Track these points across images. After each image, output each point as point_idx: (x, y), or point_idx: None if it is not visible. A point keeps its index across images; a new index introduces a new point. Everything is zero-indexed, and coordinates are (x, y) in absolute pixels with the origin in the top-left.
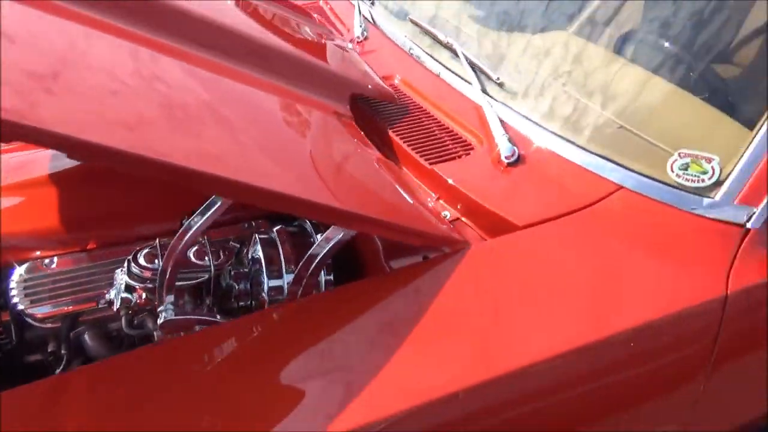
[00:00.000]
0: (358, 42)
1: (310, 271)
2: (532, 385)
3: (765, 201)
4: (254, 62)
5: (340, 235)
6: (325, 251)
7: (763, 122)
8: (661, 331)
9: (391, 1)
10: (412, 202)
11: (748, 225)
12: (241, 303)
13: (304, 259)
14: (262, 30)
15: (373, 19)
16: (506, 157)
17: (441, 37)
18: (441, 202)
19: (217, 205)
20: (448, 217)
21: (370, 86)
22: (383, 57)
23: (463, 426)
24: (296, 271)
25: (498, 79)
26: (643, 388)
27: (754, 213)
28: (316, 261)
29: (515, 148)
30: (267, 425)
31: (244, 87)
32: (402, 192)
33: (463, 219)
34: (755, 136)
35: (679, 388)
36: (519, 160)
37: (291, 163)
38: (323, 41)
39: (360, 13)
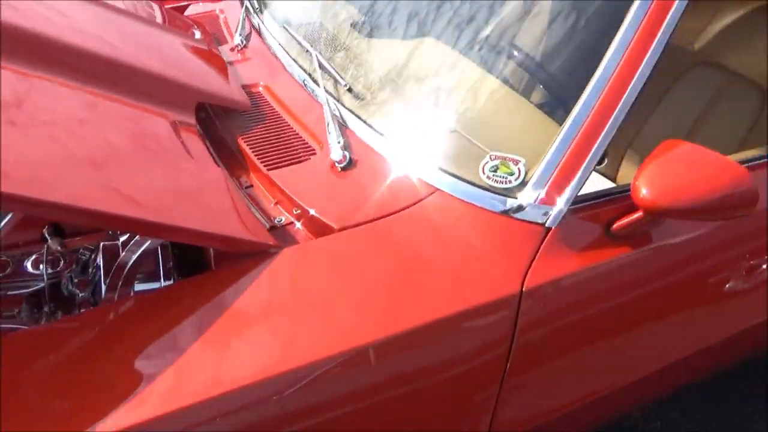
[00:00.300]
0: (239, 50)
1: (122, 280)
2: (319, 384)
3: (562, 201)
4: (89, 75)
5: (147, 244)
6: (132, 260)
7: (564, 126)
8: (456, 328)
9: (278, 9)
10: (232, 208)
11: (548, 224)
12: (84, 310)
13: (113, 269)
14: (110, 44)
15: (259, 26)
16: (338, 162)
17: (304, 43)
18: (278, 207)
19: (6, 219)
20: (282, 222)
21: (223, 94)
22: (256, 64)
23: (266, 416)
24: (108, 280)
25: (346, 84)
26: (440, 390)
27: (552, 212)
28: (126, 269)
29: (346, 152)
30: (96, 414)
31: (71, 94)
32: (225, 199)
33: (296, 223)
34: (556, 139)
35: (480, 382)
36: (351, 165)
37: (98, 173)
38: (185, 52)
39: (243, 21)
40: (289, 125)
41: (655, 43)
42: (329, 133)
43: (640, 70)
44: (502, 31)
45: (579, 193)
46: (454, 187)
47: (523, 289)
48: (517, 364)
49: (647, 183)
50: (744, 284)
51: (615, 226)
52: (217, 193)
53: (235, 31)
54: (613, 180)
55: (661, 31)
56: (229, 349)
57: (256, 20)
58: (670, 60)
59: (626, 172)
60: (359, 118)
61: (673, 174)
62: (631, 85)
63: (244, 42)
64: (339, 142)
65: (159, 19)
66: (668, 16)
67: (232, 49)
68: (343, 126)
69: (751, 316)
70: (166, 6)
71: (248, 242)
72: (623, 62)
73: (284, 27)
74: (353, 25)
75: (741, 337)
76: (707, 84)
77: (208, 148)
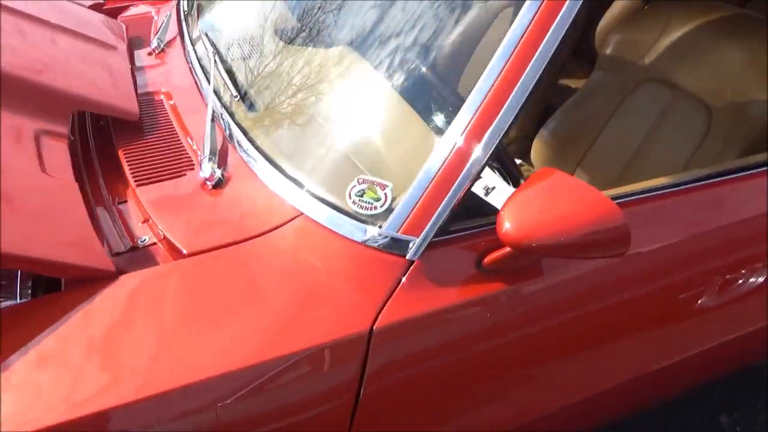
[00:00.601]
0: (156, 53)
1: None
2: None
3: (425, 231)
4: None
5: None
6: None
7: (434, 149)
8: (297, 370)
9: (208, 12)
10: (69, 230)
11: (409, 256)
12: None
13: None
14: None
15: (183, 29)
16: (207, 180)
17: (207, 47)
18: (146, 225)
19: None
20: (145, 242)
21: (106, 102)
22: (166, 69)
23: None
24: None
25: (236, 96)
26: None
27: (415, 243)
28: None
29: (216, 170)
30: None
31: None
32: (63, 219)
33: (160, 244)
34: (424, 164)
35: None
36: (222, 183)
37: None
38: (75, 56)
39: (165, 23)
40: (177, 137)
41: (529, 67)
42: (204, 147)
43: (515, 89)
44: (409, 44)
45: (453, 223)
46: (318, 212)
47: (375, 327)
48: (367, 413)
49: (511, 216)
50: (642, 324)
51: (486, 260)
52: (55, 212)
53: (155, 34)
54: None
55: (535, 57)
56: (48, 377)
57: (186, 24)
58: (621, 75)
59: None
60: (243, 132)
61: (538, 207)
62: (504, 107)
63: (162, 46)
64: (210, 158)
65: (74, 18)
66: (542, 44)
67: (150, 53)
68: (228, 140)
69: (648, 360)
70: (107, 6)
71: (76, 267)
72: (497, 84)
73: (200, 30)
74: (276, 32)
75: (644, 381)
76: (656, 101)
77: (93, 159)
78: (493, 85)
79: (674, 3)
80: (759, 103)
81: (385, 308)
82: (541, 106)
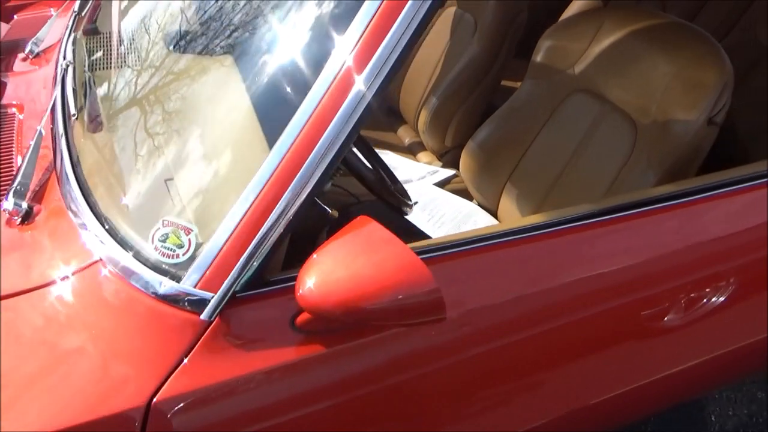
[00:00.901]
0: (31, 59)
1: None
2: None
3: (224, 286)
4: None
5: None
6: None
7: (247, 187)
8: None
9: (97, 15)
10: None
11: (204, 316)
12: None
13: None
14: None
15: (66, 33)
16: (9, 213)
17: (68, 57)
18: None
19: None
20: None
21: None
22: (32, 78)
23: None
24: None
25: (74, 114)
26: None
27: (212, 300)
28: None
29: (21, 202)
30: None
31: None
32: None
33: None
34: (233, 205)
35: None
36: (32, 217)
37: None
38: None
39: (48, 25)
40: (10, 159)
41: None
42: (18, 174)
43: (335, 119)
44: (278, 57)
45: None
46: (117, 258)
47: (154, 401)
48: None
49: (308, 277)
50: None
51: (298, 320)
52: None
53: (33, 39)
54: (495, 216)
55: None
56: None
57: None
58: (551, 84)
59: (506, 208)
60: (70, 157)
61: (340, 269)
62: (324, 136)
63: (36, 51)
64: (19, 188)
65: None
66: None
67: (24, 59)
68: (54, 166)
69: None
70: (10, 3)
71: None
72: (322, 105)
73: (78, 35)
74: (168, 39)
75: None
76: (585, 113)
77: None
78: (317, 106)
79: (607, 9)
80: (682, 123)
81: (171, 378)
82: (479, 111)
